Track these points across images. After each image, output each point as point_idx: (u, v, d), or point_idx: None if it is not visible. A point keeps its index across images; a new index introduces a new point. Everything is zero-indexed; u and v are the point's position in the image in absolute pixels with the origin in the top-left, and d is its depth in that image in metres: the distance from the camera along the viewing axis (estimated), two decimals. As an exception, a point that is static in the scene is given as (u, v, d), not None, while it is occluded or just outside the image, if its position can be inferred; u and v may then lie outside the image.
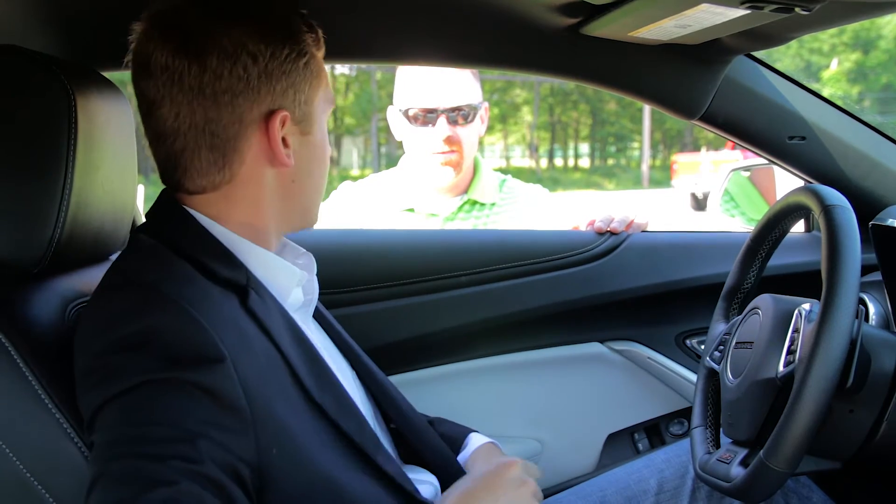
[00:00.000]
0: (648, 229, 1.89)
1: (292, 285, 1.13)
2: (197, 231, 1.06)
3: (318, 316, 1.27)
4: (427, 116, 2.07)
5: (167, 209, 1.09)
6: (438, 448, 1.27)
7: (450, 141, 2.07)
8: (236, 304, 1.03)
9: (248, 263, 1.07)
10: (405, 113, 2.10)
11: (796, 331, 1.14)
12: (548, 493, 1.44)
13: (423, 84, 2.07)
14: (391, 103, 2.18)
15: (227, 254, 1.06)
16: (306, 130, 1.10)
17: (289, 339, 1.06)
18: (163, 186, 1.11)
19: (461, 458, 1.32)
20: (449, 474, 1.22)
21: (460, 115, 2.07)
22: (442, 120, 2.06)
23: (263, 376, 0.98)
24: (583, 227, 1.92)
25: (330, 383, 1.09)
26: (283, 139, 1.07)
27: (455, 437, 1.36)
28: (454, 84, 2.06)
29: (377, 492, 1.06)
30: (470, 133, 2.11)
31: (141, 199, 1.60)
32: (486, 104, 2.16)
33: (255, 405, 0.95)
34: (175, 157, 1.05)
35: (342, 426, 1.05)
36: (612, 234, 1.83)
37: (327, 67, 1.18)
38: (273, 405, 0.98)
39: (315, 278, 1.21)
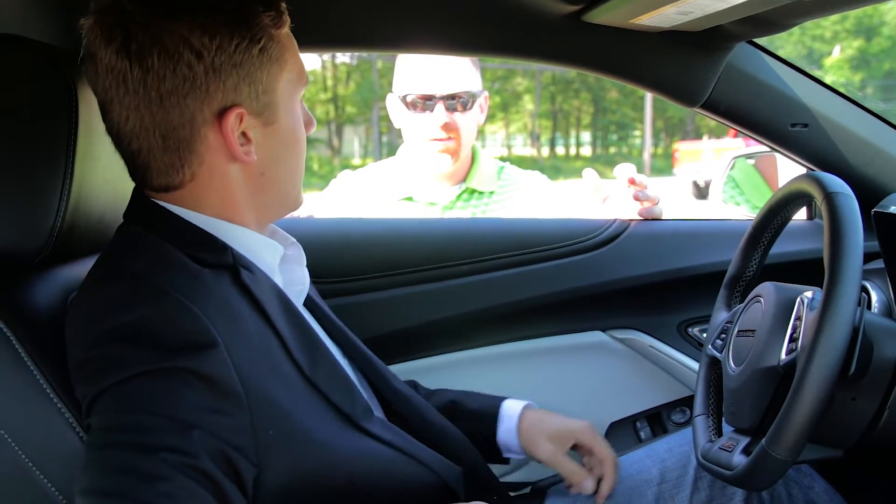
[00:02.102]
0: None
1: (276, 261, 1.12)
2: (174, 221, 1.05)
3: (311, 305, 1.26)
4: (425, 103, 2.07)
5: (141, 205, 1.07)
6: (444, 430, 1.27)
7: (447, 128, 2.06)
8: (228, 282, 1.02)
9: (232, 244, 1.06)
10: (403, 99, 2.10)
11: (798, 319, 1.13)
12: (549, 482, 1.44)
13: (422, 70, 2.07)
14: (391, 92, 2.17)
15: (209, 238, 1.05)
16: (270, 121, 1.06)
17: (281, 314, 1.06)
18: None
19: (504, 430, 1.34)
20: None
21: (459, 102, 2.06)
22: (440, 106, 2.05)
23: (256, 357, 0.99)
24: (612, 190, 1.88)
25: (322, 357, 1.09)
26: (244, 134, 1.03)
27: (485, 411, 1.37)
28: (453, 71, 2.05)
29: (376, 458, 1.07)
30: (468, 121, 2.10)
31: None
32: (485, 93, 2.15)
33: (250, 388, 0.95)
34: (134, 157, 1.03)
35: (333, 399, 1.05)
36: (616, 221, 1.83)
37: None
38: (267, 386, 0.98)
39: (305, 269, 1.20)
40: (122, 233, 1.08)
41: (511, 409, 1.37)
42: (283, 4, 1.07)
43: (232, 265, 1.04)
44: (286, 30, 1.08)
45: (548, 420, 1.37)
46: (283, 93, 1.07)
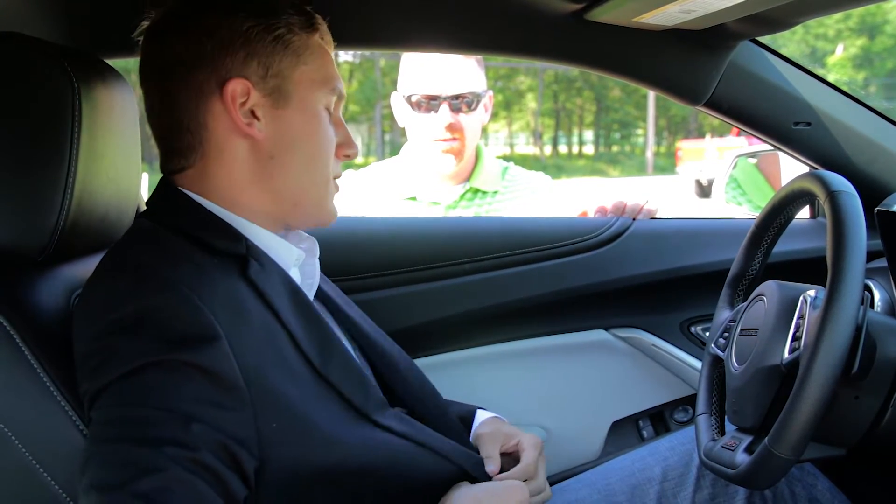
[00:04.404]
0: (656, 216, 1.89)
1: (291, 262, 1.13)
2: (192, 207, 1.07)
3: (324, 299, 1.26)
4: (430, 103, 2.07)
5: (163, 192, 1.10)
6: (454, 428, 1.26)
7: (451, 128, 2.06)
8: (235, 275, 1.03)
9: (248, 236, 1.08)
10: (408, 99, 2.10)
11: (801, 317, 1.13)
12: (552, 480, 1.44)
13: (426, 70, 2.07)
14: (395, 91, 2.17)
15: (225, 226, 1.07)
16: (280, 105, 1.08)
17: (291, 307, 1.06)
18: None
19: (473, 434, 1.31)
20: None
21: (463, 102, 2.06)
22: (444, 107, 2.05)
23: (261, 350, 0.99)
24: (591, 214, 1.92)
25: (334, 349, 1.09)
26: (253, 111, 1.07)
27: (462, 416, 1.35)
28: (458, 71, 2.05)
29: (388, 450, 1.06)
30: (472, 121, 2.10)
31: (145, 187, 1.60)
32: (490, 92, 2.15)
33: (253, 381, 0.96)
34: (158, 138, 1.10)
35: (344, 392, 1.05)
36: (619, 220, 1.83)
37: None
38: (271, 379, 0.98)
39: (317, 262, 1.21)
40: (133, 227, 1.10)
41: (481, 415, 1.35)
42: (318, 17, 1.13)
43: (243, 255, 1.05)
44: (317, 38, 1.12)
45: (500, 425, 1.30)
46: (298, 84, 1.09)
